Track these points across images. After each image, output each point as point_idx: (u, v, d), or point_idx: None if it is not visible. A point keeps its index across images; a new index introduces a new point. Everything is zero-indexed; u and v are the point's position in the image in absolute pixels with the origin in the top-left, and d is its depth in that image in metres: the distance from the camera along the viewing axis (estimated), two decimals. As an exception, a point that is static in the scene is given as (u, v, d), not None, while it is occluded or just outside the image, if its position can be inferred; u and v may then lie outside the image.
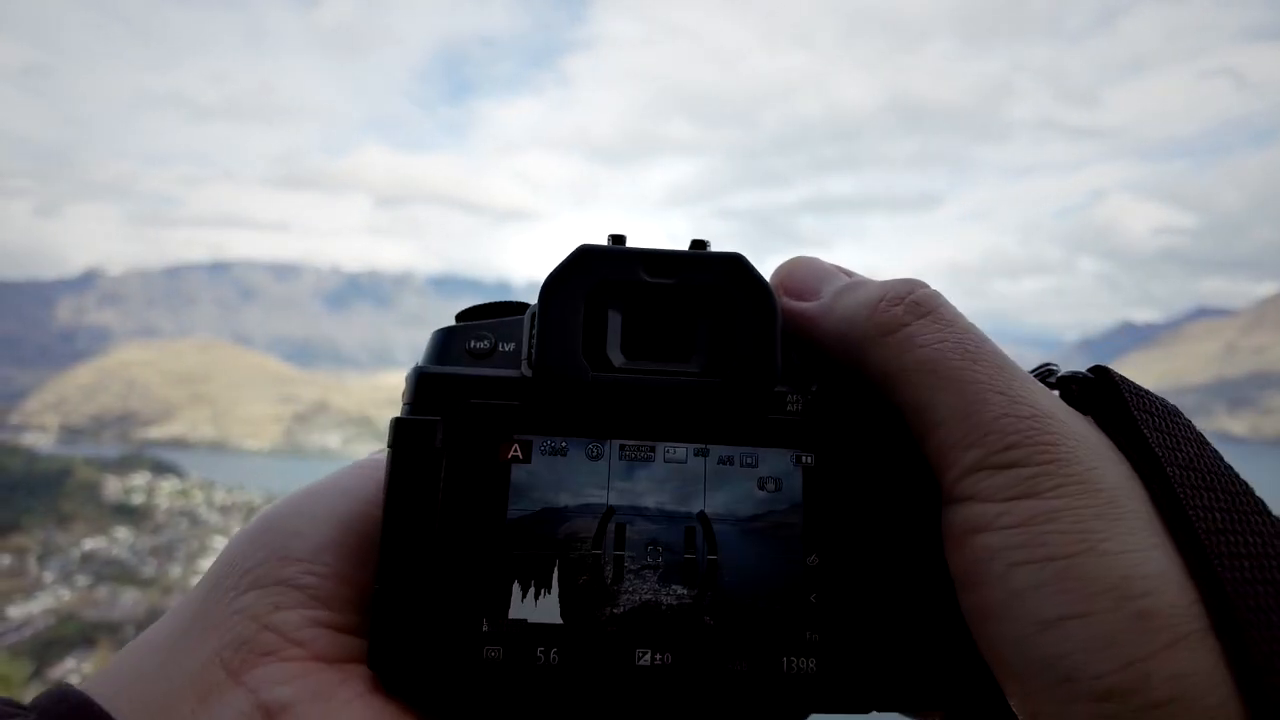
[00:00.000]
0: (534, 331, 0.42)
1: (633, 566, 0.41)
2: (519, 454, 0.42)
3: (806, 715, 0.42)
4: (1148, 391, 0.41)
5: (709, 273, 0.42)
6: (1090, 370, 0.43)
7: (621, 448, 0.42)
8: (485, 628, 0.41)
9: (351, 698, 0.38)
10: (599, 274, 0.42)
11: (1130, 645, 0.32)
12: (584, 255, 0.42)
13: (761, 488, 0.42)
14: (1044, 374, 0.43)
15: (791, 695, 0.41)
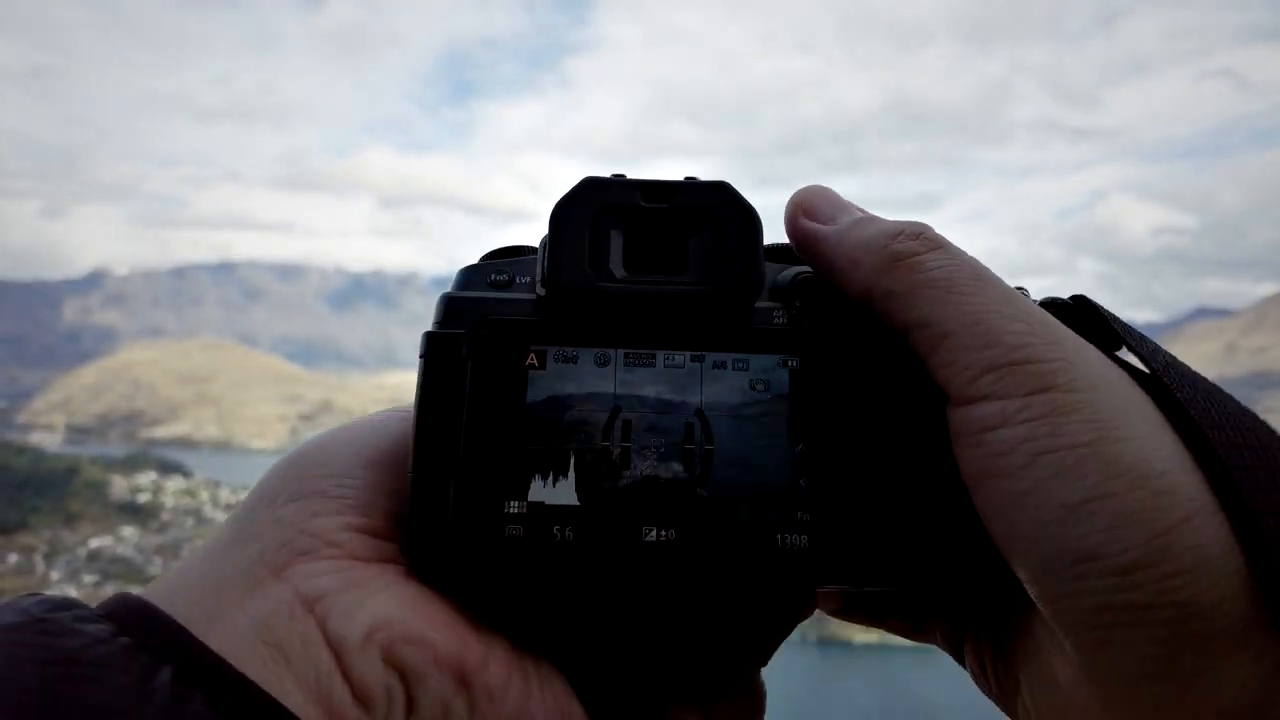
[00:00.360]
0: (546, 254, 0.47)
1: (638, 452, 0.46)
2: (535, 362, 0.47)
3: (801, 587, 0.47)
4: (1122, 320, 0.45)
5: (699, 197, 0.48)
6: (1071, 297, 0.47)
7: (626, 355, 0.47)
8: (507, 510, 0.45)
9: (384, 586, 0.42)
10: (601, 200, 0.47)
11: (1151, 521, 0.35)
12: (588, 184, 0.48)
13: (752, 387, 0.47)
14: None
15: (786, 569, 0.45)
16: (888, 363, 0.47)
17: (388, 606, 0.41)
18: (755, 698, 0.51)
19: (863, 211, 0.48)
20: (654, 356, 0.48)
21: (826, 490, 0.46)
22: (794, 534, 0.45)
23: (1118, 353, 0.43)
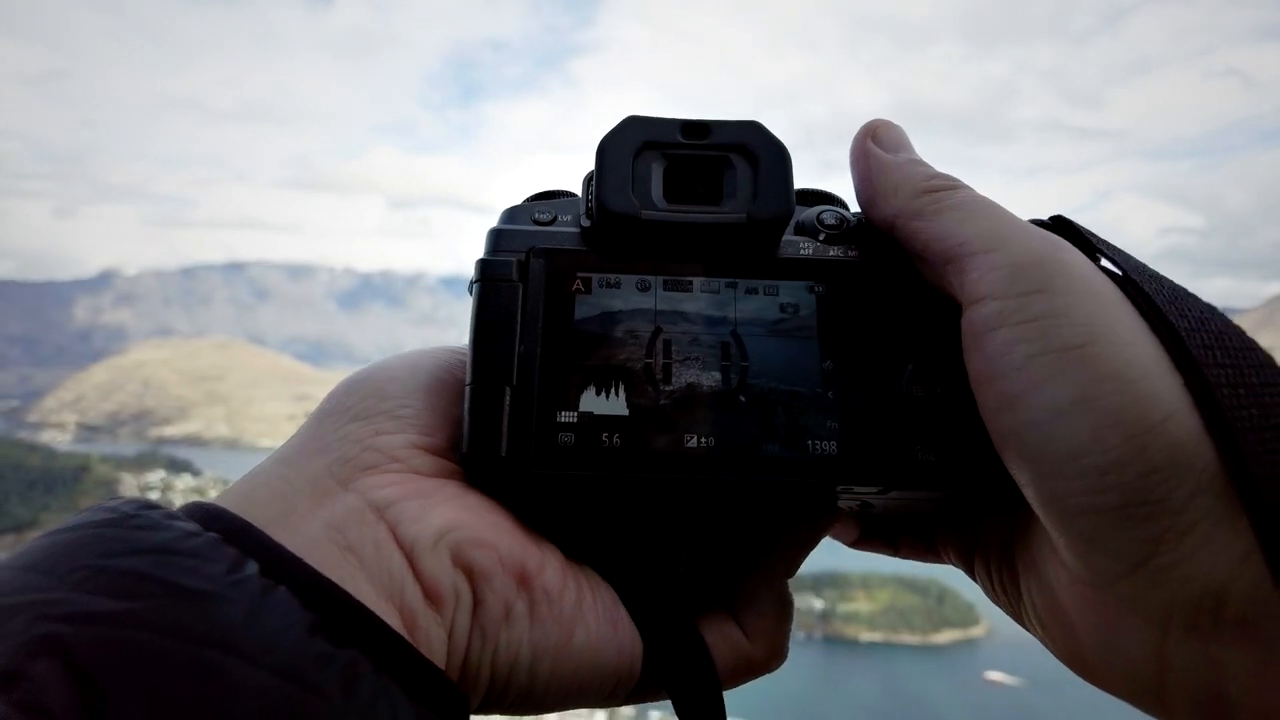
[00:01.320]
0: (591, 186, 0.51)
1: (678, 367, 0.49)
2: (581, 287, 0.50)
3: (831, 488, 0.49)
4: (1098, 235, 0.48)
5: (734, 134, 0.51)
6: (1050, 218, 0.50)
7: (665, 280, 0.51)
8: (559, 420, 0.48)
9: (448, 496, 0.45)
10: (643, 136, 0.51)
11: (1131, 422, 0.37)
12: (631, 121, 0.51)
13: (782, 310, 0.51)
14: None
15: (817, 472, 0.48)
16: (906, 288, 0.51)
17: (454, 513, 0.44)
18: (784, 606, 0.54)
19: (918, 155, 0.52)
20: (691, 282, 0.51)
21: (852, 401, 0.49)
22: (823, 441, 0.48)
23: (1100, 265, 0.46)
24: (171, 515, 0.38)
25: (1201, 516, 0.36)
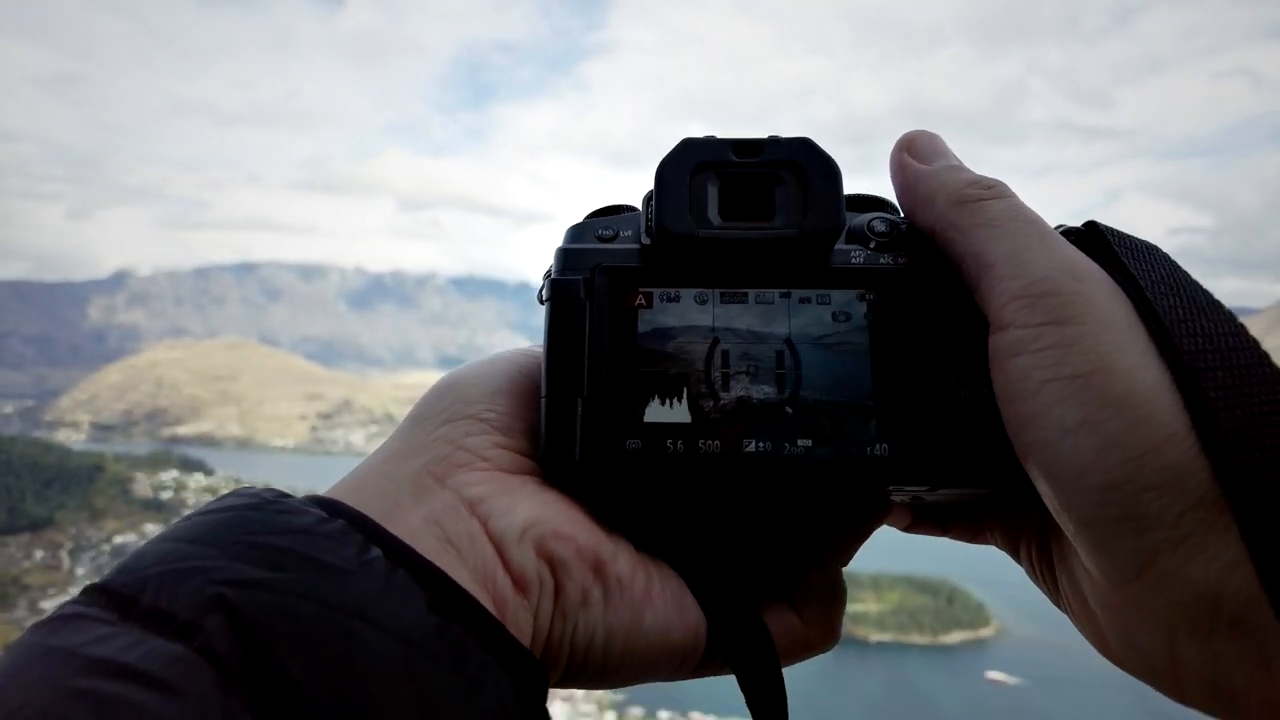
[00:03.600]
0: (651, 206, 0.54)
1: (735, 377, 0.53)
2: (643, 302, 0.54)
3: (884, 488, 0.53)
4: (1132, 237, 0.51)
5: (785, 151, 0.54)
6: (1084, 225, 0.53)
7: (721, 294, 0.54)
8: (627, 427, 0.52)
9: (530, 493, 0.50)
10: (698, 157, 0.54)
11: (1131, 445, 0.41)
12: (687, 144, 0.54)
13: (834, 319, 0.53)
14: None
15: (870, 473, 0.51)
16: (951, 296, 0.53)
17: (536, 509, 0.49)
18: (837, 593, 0.58)
19: (957, 160, 0.55)
20: (746, 294, 0.54)
21: (902, 405, 0.52)
22: (875, 444, 0.51)
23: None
24: (305, 504, 0.44)
25: (1195, 528, 0.40)
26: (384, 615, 0.39)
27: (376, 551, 0.42)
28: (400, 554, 0.43)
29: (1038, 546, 0.56)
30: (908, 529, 0.65)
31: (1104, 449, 0.42)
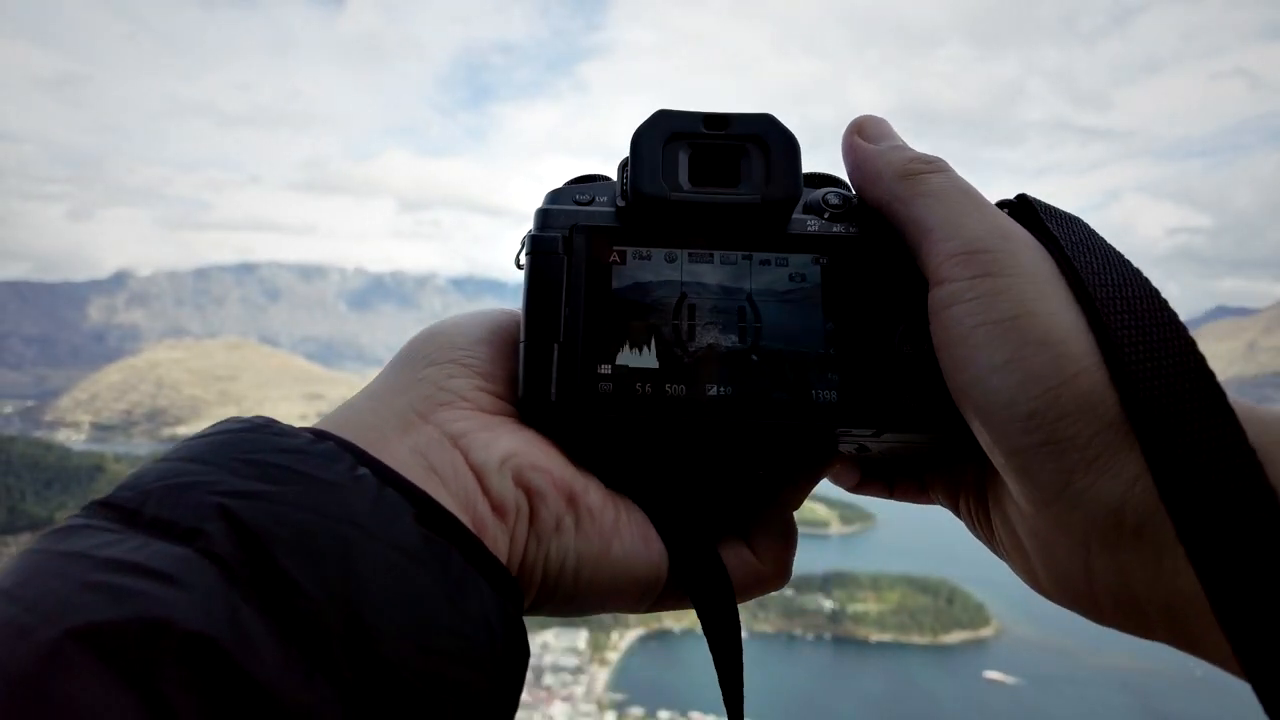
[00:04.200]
0: (627, 171, 0.58)
1: (701, 328, 0.57)
2: (617, 259, 0.58)
3: (832, 430, 0.58)
4: (1057, 208, 0.57)
5: (750, 125, 0.58)
6: (1015, 196, 0.59)
7: (689, 253, 0.58)
8: (599, 371, 0.56)
9: (509, 430, 0.54)
10: (671, 127, 0.58)
11: (1048, 376, 0.47)
12: (661, 115, 0.58)
13: (791, 279, 0.58)
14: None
15: (820, 417, 0.56)
16: (897, 259, 0.57)
17: (514, 443, 0.53)
18: (790, 534, 0.63)
19: (903, 141, 0.60)
20: (712, 255, 0.58)
21: (851, 357, 0.57)
22: (825, 390, 0.56)
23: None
24: (296, 430, 0.48)
25: (1104, 450, 0.46)
26: (376, 524, 0.43)
27: (364, 471, 0.45)
28: (387, 476, 0.46)
29: (975, 498, 0.61)
30: (855, 488, 0.70)
31: (1026, 382, 0.47)
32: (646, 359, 0.57)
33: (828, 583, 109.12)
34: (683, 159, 0.58)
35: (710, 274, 0.58)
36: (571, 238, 0.58)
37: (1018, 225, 0.54)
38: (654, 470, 0.60)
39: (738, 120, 0.58)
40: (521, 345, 0.57)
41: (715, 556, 0.59)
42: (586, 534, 0.54)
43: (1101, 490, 0.46)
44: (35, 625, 0.34)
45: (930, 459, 0.66)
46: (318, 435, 0.48)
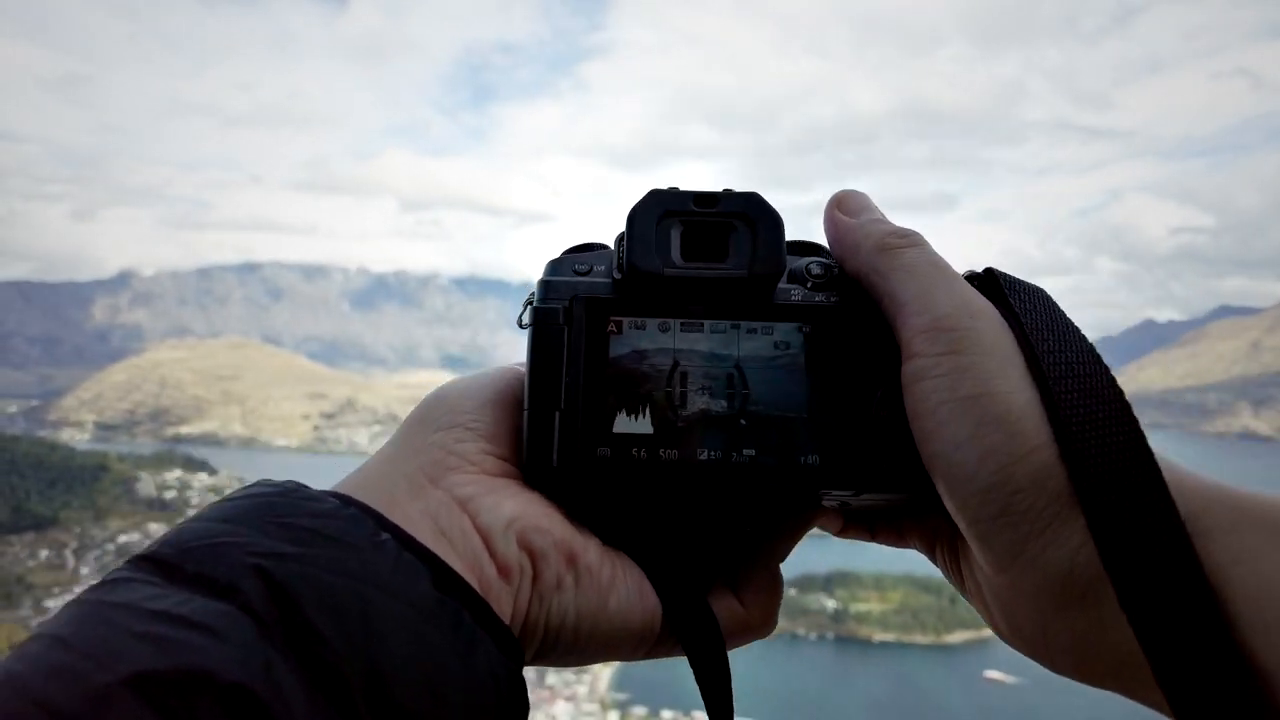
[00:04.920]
0: (622, 247, 0.62)
1: (693, 395, 0.61)
2: (614, 329, 0.61)
3: (816, 493, 0.62)
4: (1022, 280, 0.61)
5: (737, 204, 0.61)
6: (983, 270, 0.62)
7: (682, 323, 0.61)
8: (598, 437, 0.60)
9: (513, 493, 0.57)
10: (664, 206, 0.61)
11: (1005, 455, 0.51)
12: (654, 195, 0.61)
13: (776, 347, 0.61)
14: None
15: (804, 479, 0.60)
16: (874, 329, 0.61)
17: (519, 506, 0.57)
18: (776, 584, 0.67)
19: (882, 214, 0.64)
20: (703, 324, 0.62)
21: (832, 421, 0.60)
22: (809, 454, 0.60)
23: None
24: (323, 494, 0.52)
25: (1053, 520, 0.50)
26: (395, 587, 0.47)
27: (386, 537, 0.49)
28: (405, 540, 0.50)
29: (947, 547, 0.65)
30: (840, 533, 0.72)
31: (985, 458, 0.52)
32: (642, 424, 0.60)
33: (830, 582, 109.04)
34: (675, 235, 0.61)
35: (701, 342, 0.61)
36: (571, 308, 0.61)
37: (984, 300, 0.58)
38: (649, 528, 0.63)
39: (726, 198, 0.62)
40: (525, 413, 0.60)
41: (706, 607, 0.62)
42: (585, 591, 0.57)
43: (1051, 557, 0.50)
44: (90, 671, 0.38)
45: (908, 510, 0.68)
46: (343, 500, 0.51)
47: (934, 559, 0.68)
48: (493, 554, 0.54)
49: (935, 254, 0.60)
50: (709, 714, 0.62)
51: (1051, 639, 0.53)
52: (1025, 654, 0.57)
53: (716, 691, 0.62)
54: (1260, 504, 0.47)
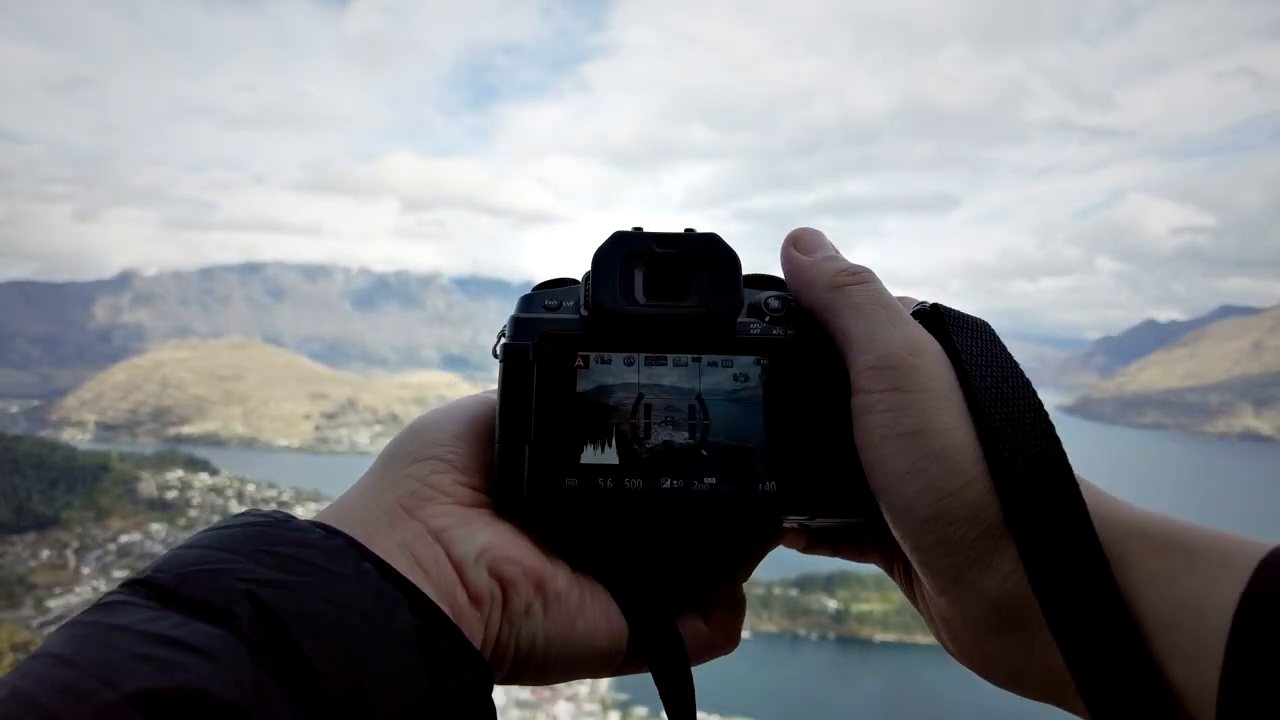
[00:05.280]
0: (589, 286, 0.64)
1: (657, 426, 0.63)
2: (581, 363, 0.64)
3: (774, 519, 0.64)
4: (966, 315, 0.64)
5: (697, 245, 0.65)
6: (930, 305, 0.66)
7: (646, 358, 0.64)
8: (566, 468, 0.62)
9: (486, 524, 0.60)
10: (628, 247, 0.64)
11: (941, 487, 0.55)
12: (618, 237, 0.65)
13: (735, 379, 0.64)
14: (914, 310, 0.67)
15: (763, 506, 0.63)
16: (829, 362, 0.64)
17: (490, 536, 0.59)
18: (738, 604, 0.69)
19: (835, 251, 0.67)
20: (666, 358, 0.65)
21: (790, 451, 0.63)
22: (767, 481, 0.63)
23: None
24: (310, 524, 0.55)
25: (986, 549, 0.54)
26: (377, 615, 0.49)
27: (368, 566, 0.52)
28: (385, 570, 0.52)
29: (903, 564, 0.68)
30: (804, 550, 0.76)
31: (923, 491, 0.55)
32: (608, 455, 0.63)
33: (831, 582, 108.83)
34: (638, 276, 0.64)
35: (665, 376, 0.64)
36: (540, 345, 0.64)
37: (927, 337, 0.61)
38: (615, 553, 0.66)
39: (686, 239, 0.65)
40: (497, 446, 0.62)
41: (672, 628, 0.65)
42: (553, 616, 0.60)
43: (985, 583, 0.54)
44: (96, 689, 0.40)
45: (866, 530, 0.71)
46: (328, 531, 0.54)
47: (892, 574, 0.71)
48: (465, 583, 0.57)
49: (884, 292, 0.63)
50: None
51: (989, 657, 0.57)
52: (969, 668, 0.60)
53: (680, 707, 0.64)
54: (1169, 529, 0.51)
